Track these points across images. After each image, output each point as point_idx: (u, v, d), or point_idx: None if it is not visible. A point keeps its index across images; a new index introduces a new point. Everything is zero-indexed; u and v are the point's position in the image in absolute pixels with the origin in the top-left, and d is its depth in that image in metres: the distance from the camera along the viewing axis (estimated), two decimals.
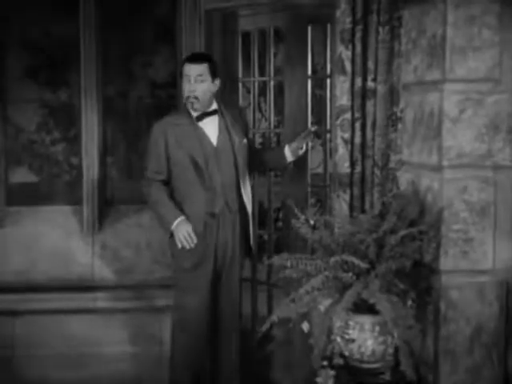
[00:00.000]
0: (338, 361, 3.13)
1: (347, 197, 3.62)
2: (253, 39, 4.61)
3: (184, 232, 3.88)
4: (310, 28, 4.36)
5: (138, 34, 4.70)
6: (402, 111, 3.54)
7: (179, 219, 3.90)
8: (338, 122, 3.59)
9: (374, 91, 3.54)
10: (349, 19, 3.52)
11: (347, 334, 3.12)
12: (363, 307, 3.04)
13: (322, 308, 3.13)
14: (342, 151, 3.61)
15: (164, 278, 4.49)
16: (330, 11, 3.88)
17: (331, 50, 4.13)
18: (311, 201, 4.53)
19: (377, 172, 3.58)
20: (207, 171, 3.95)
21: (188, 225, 3.90)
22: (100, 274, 4.60)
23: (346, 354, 3.16)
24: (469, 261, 3.23)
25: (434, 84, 3.25)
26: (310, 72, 4.41)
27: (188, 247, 3.89)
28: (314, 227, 3.48)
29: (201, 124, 4.00)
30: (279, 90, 4.61)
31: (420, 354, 3.27)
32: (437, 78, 3.23)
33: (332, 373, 3.12)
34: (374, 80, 3.53)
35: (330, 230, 3.42)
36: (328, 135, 4.45)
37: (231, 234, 4.06)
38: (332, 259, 3.11)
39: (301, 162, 4.35)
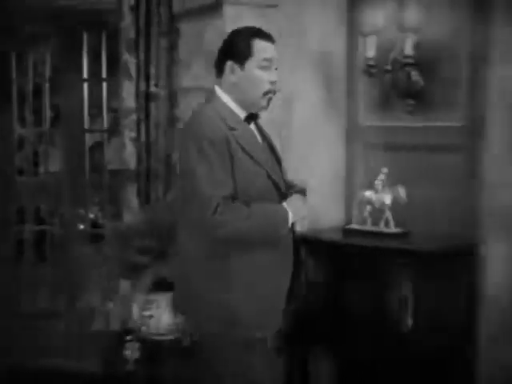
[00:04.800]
0: (141, 334, 3.50)
1: (135, 190, 3.99)
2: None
3: (299, 211, 2.53)
4: (85, 34, 4.61)
5: None
6: (181, 112, 3.98)
7: (284, 203, 2.52)
8: (126, 122, 3.95)
9: (157, 95, 3.96)
10: (132, 30, 3.90)
11: (147, 310, 3.50)
12: (165, 285, 3.44)
13: (124, 289, 3.48)
14: (130, 149, 3.97)
15: None
16: (106, 18, 4.22)
17: (107, 54, 4.46)
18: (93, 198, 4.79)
19: (161, 168, 3.99)
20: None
21: (295, 198, 2.56)
22: None
23: (146, 328, 3.54)
24: None
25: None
26: (85, 75, 4.66)
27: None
28: (97, 220, 3.80)
29: None
30: (56, 92, 4.81)
31: None
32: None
33: (137, 345, 3.48)
34: (156, 85, 3.95)
35: (123, 220, 3.78)
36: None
37: None
38: (130, 244, 3.48)
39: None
